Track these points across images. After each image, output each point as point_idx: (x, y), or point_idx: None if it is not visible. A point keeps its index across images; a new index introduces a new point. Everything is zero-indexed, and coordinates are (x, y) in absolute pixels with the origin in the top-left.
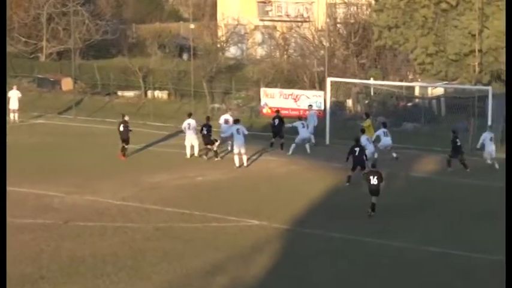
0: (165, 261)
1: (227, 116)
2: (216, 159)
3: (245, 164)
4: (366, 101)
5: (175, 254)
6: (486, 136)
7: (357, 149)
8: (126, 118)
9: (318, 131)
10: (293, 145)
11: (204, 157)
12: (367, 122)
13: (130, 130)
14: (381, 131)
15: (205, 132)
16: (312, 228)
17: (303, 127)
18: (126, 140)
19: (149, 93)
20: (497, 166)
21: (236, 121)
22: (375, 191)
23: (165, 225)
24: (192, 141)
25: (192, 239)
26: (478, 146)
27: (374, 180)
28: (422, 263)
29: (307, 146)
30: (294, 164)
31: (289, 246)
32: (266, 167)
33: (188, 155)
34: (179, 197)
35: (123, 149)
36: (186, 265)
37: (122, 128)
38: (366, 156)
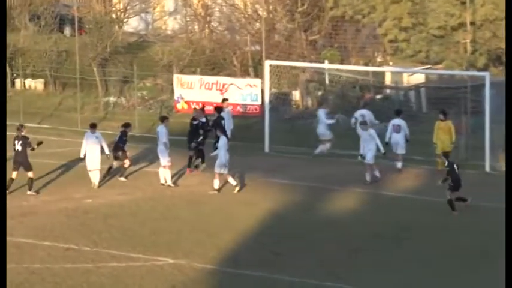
0: None
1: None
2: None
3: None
4: (319, 93)
5: None
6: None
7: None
8: (24, 132)
9: (254, 134)
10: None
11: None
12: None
13: (33, 148)
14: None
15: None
16: (249, 269)
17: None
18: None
19: (18, 82)
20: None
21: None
22: None
23: (43, 267)
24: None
25: (80, 284)
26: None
27: None
28: None
29: None
30: (224, 180)
31: None
32: (186, 183)
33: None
34: (61, 227)
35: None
36: None
37: (18, 147)
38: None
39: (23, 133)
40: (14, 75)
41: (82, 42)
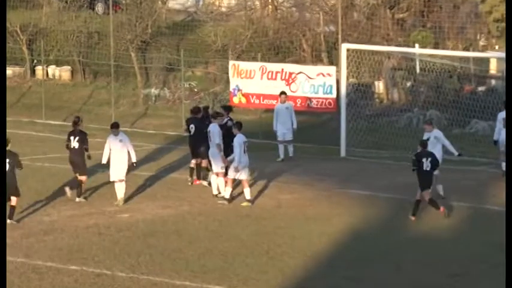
0: None
1: None
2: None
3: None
4: (408, 84)
5: None
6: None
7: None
8: (80, 127)
9: (328, 134)
10: None
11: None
12: None
13: (87, 151)
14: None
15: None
16: None
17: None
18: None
19: (39, 70)
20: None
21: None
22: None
23: None
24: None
25: None
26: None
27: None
28: None
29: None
30: (289, 190)
31: None
32: (243, 195)
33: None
34: (91, 248)
35: (76, 184)
36: None
37: (75, 143)
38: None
39: (80, 127)
40: (35, 61)
41: (117, 21)
